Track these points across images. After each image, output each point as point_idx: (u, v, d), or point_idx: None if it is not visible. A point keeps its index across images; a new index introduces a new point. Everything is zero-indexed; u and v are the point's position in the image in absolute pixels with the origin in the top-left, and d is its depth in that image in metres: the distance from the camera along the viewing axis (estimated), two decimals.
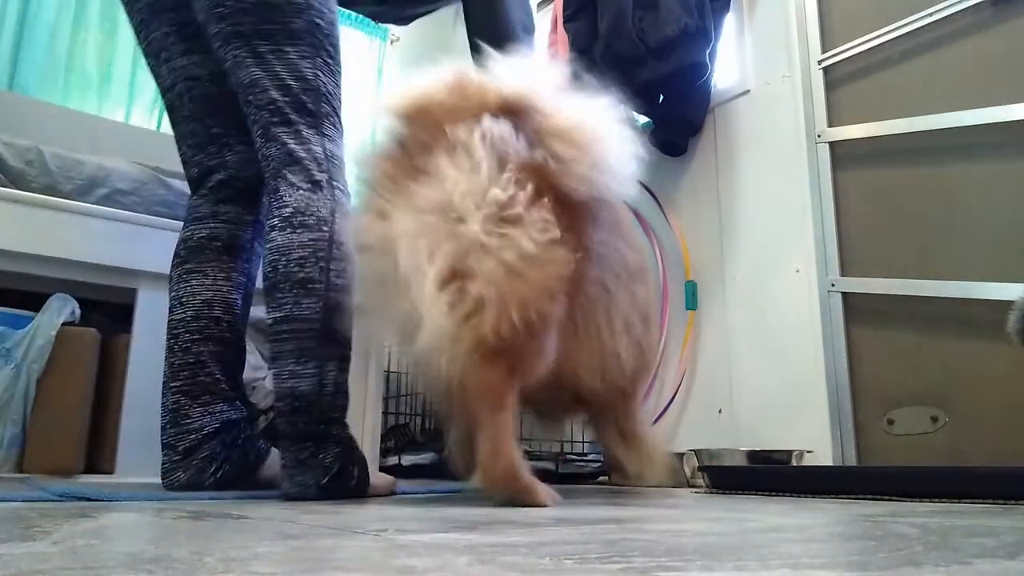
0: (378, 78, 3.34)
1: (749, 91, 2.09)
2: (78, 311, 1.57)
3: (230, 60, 1.20)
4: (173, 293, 1.27)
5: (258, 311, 1.76)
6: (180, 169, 1.84)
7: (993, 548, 0.52)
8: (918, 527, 0.67)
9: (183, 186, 1.75)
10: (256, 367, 1.77)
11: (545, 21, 2.81)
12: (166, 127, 2.96)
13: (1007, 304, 1.27)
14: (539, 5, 3.00)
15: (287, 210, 1.14)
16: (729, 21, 2.18)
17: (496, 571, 0.39)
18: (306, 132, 1.19)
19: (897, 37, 1.80)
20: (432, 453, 1.96)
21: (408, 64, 3.49)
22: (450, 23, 3.65)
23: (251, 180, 1.30)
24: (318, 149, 1.19)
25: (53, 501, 0.91)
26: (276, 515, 0.77)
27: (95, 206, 1.61)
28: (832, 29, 1.96)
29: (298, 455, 1.07)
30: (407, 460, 1.99)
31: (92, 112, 2.77)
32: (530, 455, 1.90)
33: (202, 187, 1.33)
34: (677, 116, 2.16)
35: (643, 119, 2.38)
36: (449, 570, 0.39)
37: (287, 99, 1.18)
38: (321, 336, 1.11)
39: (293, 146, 1.17)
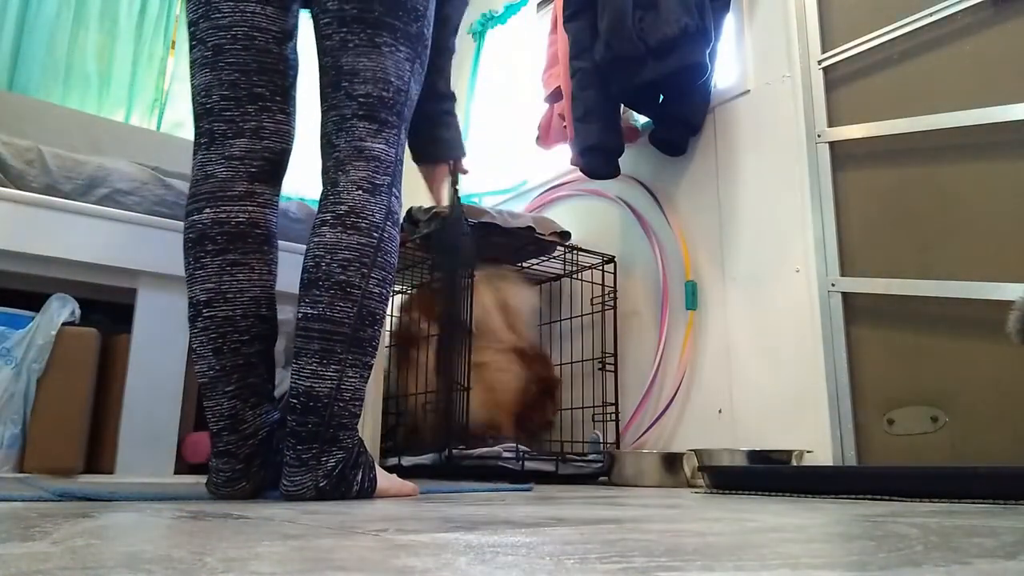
0: None
1: (749, 91, 2.09)
2: (78, 311, 1.57)
3: (335, 40, 1.19)
4: (211, 284, 1.15)
5: None
6: (180, 169, 1.85)
7: (993, 548, 0.52)
8: (918, 527, 0.67)
9: (183, 186, 1.75)
10: None
11: (545, 21, 2.81)
12: (166, 127, 2.97)
13: (1007, 304, 1.27)
14: (539, 5, 3.00)
15: (342, 208, 1.14)
16: (729, 21, 2.18)
17: (496, 571, 0.39)
18: (385, 132, 1.20)
19: (897, 37, 1.81)
20: (432, 453, 1.96)
21: None
22: None
23: (282, 155, 1.24)
24: (391, 152, 1.20)
25: (53, 501, 0.91)
26: (276, 515, 0.77)
27: (95, 206, 1.61)
28: (832, 29, 1.96)
29: (301, 454, 1.07)
30: (407, 460, 1.99)
31: (92, 112, 2.77)
32: (530, 456, 1.90)
33: (226, 150, 1.19)
34: (677, 116, 2.16)
35: (643, 119, 2.38)
36: (449, 570, 0.39)
37: (383, 95, 1.19)
38: (349, 341, 1.11)
39: (369, 143, 1.18)
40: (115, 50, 2.91)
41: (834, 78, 1.94)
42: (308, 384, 1.09)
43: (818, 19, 1.98)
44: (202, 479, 1.61)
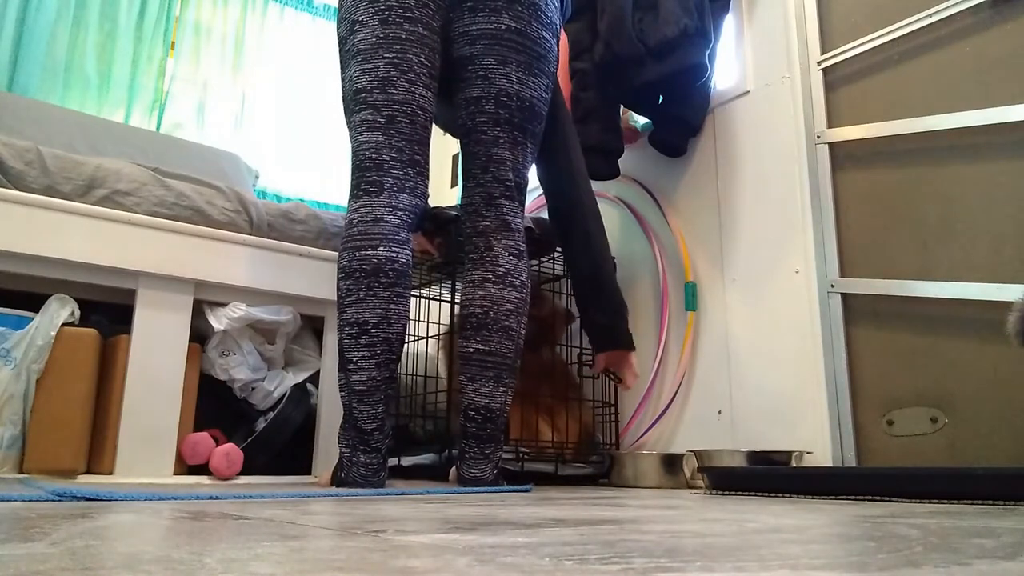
0: None
1: (749, 92, 2.09)
2: (78, 311, 1.57)
3: (489, 135, 1.53)
4: (380, 310, 1.38)
5: (258, 312, 1.76)
6: (180, 170, 1.85)
7: (993, 549, 0.52)
8: (918, 528, 0.67)
9: (182, 187, 1.75)
10: (256, 368, 1.77)
11: None
12: (166, 128, 2.97)
13: (1007, 304, 1.27)
14: None
15: (501, 269, 1.50)
16: (729, 22, 2.18)
17: (496, 572, 0.39)
18: (519, 208, 1.57)
19: (897, 38, 1.81)
20: (432, 454, 1.96)
21: None
22: None
23: (423, 213, 1.50)
24: (522, 224, 1.58)
25: (53, 501, 0.91)
26: (276, 515, 0.77)
27: (95, 207, 1.61)
28: (832, 30, 1.96)
29: (484, 450, 1.46)
30: (407, 461, 1.99)
31: (92, 112, 2.77)
32: (530, 457, 1.90)
33: (394, 201, 1.42)
34: (677, 117, 2.16)
35: (643, 120, 2.38)
36: (449, 571, 0.39)
37: (518, 180, 1.57)
38: (510, 369, 1.49)
39: (510, 217, 1.54)
40: (115, 51, 2.91)
41: (833, 79, 1.94)
42: (487, 401, 1.46)
43: (817, 20, 1.98)
44: (202, 479, 1.61)
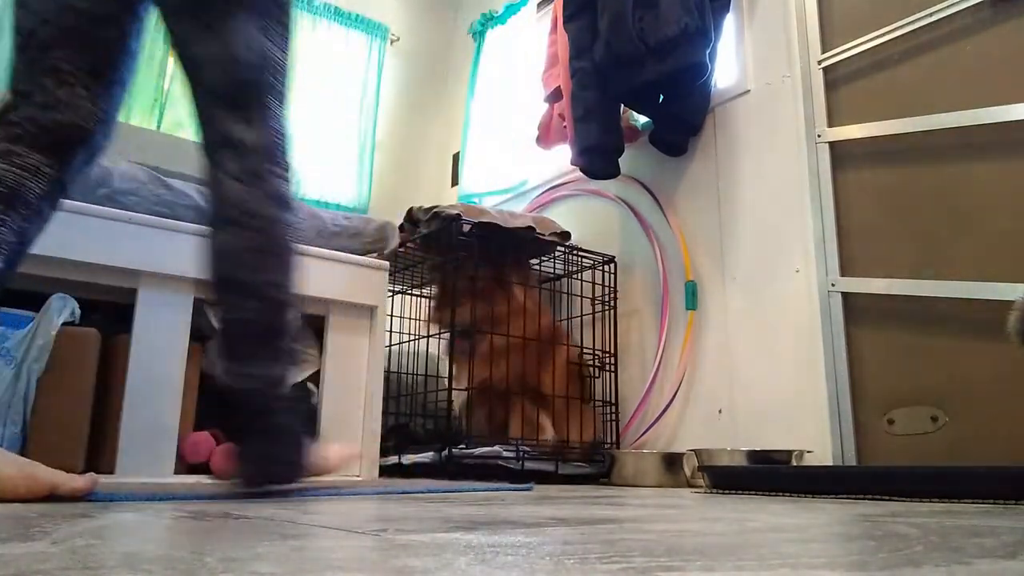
0: (378, 78, 3.34)
1: (749, 91, 2.09)
2: (78, 311, 1.56)
3: (185, 32, 1.15)
4: None
5: None
6: (180, 169, 1.85)
7: (993, 548, 0.52)
8: (918, 527, 0.67)
9: (183, 186, 1.75)
10: None
11: (545, 21, 2.81)
12: (166, 127, 2.97)
13: (1007, 304, 1.27)
14: (539, 5, 3.00)
15: (228, 207, 1.09)
16: (729, 21, 2.18)
17: (496, 571, 0.39)
18: (251, 114, 1.12)
19: (897, 37, 1.81)
20: (432, 452, 1.96)
21: (408, 63, 3.49)
22: (450, 22, 3.65)
23: (68, 130, 1.09)
24: (263, 134, 1.12)
25: (53, 501, 0.91)
26: (276, 515, 0.77)
27: (95, 206, 1.61)
28: (832, 29, 1.96)
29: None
30: (408, 459, 1.99)
31: None
32: (531, 456, 1.90)
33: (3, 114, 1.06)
34: (677, 116, 2.16)
35: (643, 119, 2.38)
36: (449, 570, 0.39)
37: (237, 77, 1.12)
38: (265, 336, 1.08)
39: (233, 130, 1.11)
40: None
41: (834, 78, 1.94)
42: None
43: (818, 19, 1.98)
44: (203, 479, 1.61)
